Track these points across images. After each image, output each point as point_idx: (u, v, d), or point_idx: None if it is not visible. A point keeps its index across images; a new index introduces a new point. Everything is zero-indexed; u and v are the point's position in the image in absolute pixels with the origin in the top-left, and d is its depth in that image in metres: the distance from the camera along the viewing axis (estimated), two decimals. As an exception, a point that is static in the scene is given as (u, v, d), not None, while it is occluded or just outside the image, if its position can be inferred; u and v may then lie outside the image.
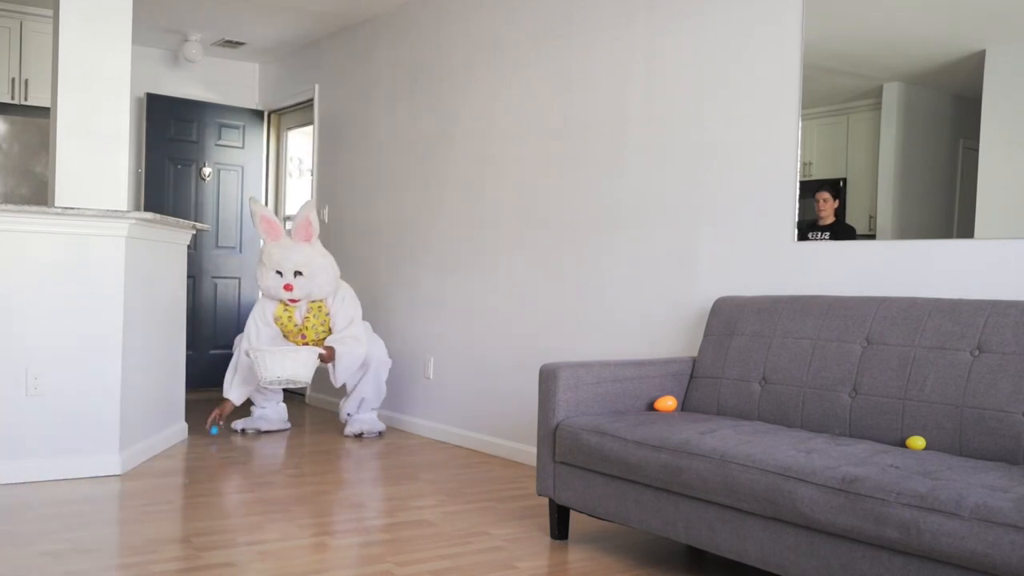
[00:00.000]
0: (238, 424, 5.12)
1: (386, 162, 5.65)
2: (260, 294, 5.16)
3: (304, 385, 4.81)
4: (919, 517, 1.94)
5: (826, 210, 3.14)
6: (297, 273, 4.85)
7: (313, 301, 4.97)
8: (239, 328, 7.03)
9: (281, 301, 4.98)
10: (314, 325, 4.99)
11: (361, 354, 4.89)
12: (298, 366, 4.64)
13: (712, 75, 3.56)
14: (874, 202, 2.99)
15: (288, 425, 5.28)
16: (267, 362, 4.61)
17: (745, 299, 3.19)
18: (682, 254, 3.66)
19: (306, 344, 5.00)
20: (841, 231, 3.09)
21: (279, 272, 4.87)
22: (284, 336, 5.05)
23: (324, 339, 5.02)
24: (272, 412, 5.21)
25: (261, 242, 4.96)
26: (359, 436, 5.05)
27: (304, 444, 4.80)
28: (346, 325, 4.97)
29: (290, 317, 4.98)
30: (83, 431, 3.83)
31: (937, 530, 1.91)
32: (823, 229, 3.15)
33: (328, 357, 4.79)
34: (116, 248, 3.90)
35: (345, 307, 5.02)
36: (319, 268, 4.88)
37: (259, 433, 5.10)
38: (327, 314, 5.01)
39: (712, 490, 2.42)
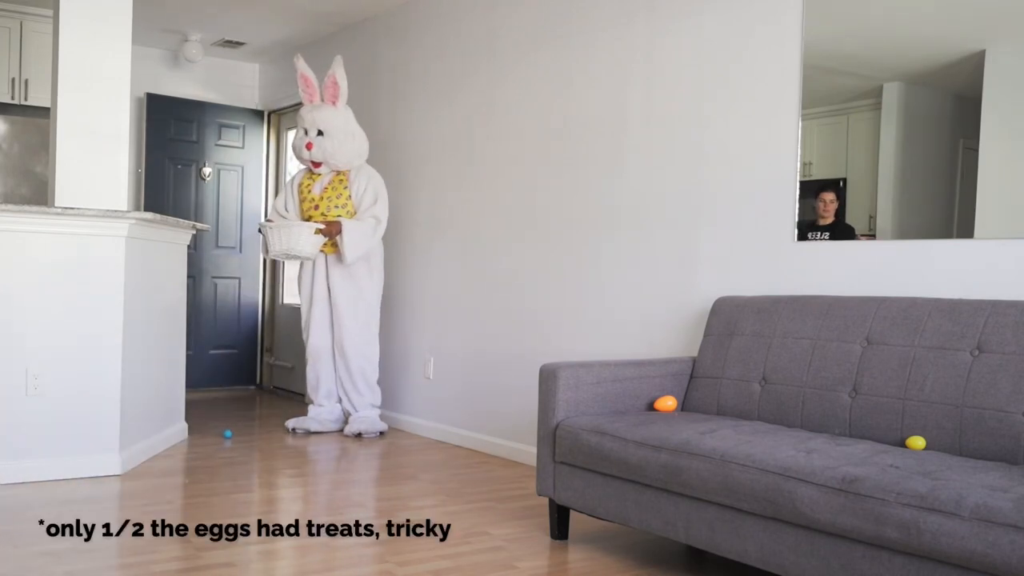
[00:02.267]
0: (290, 423, 5.09)
1: (386, 162, 5.65)
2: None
3: (308, 258, 4.82)
4: (919, 517, 1.94)
5: (828, 210, 3.14)
6: (320, 133, 4.83)
7: (337, 173, 4.92)
8: (239, 328, 7.03)
9: (307, 169, 5.01)
10: (330, 197, 4.87)
11: (373, 232, 4.81)
12: (293, 239, 4.65)
13: (712, 75, 3.56)
14: (874, 202, 2.99)
15: (340, 426, 5.18)
16: (269, 236, 4.72)
17: (745, 299, 3.19)
18: (682, 254, 3.66)
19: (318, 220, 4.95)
20: (841, 231, 3.09)
21: (305, 131, 4.90)
22: (299, 208, 5.01)
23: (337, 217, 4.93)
24: (327, 413, 5.12)
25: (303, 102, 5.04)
26: (358, 436, 4.99)
27: (305, 444, 4.80)
28: (370, 204, 4.87)
29: (309, 187, 4.95)
30: (83, 431, 3.83)
31: (937, 530, 1.91)
32: (823, 229, 3.15)
33: (330, 231, 4.73)
34: (116, 248, 3.90)
35: (371, 185, 4.89)
36: (341, 132, 4.85)
37: (308, 434, 5.04)
38: (346, 188, 4.89)
39: (712, 490, 2.42)
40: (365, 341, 4.99)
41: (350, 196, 4.88)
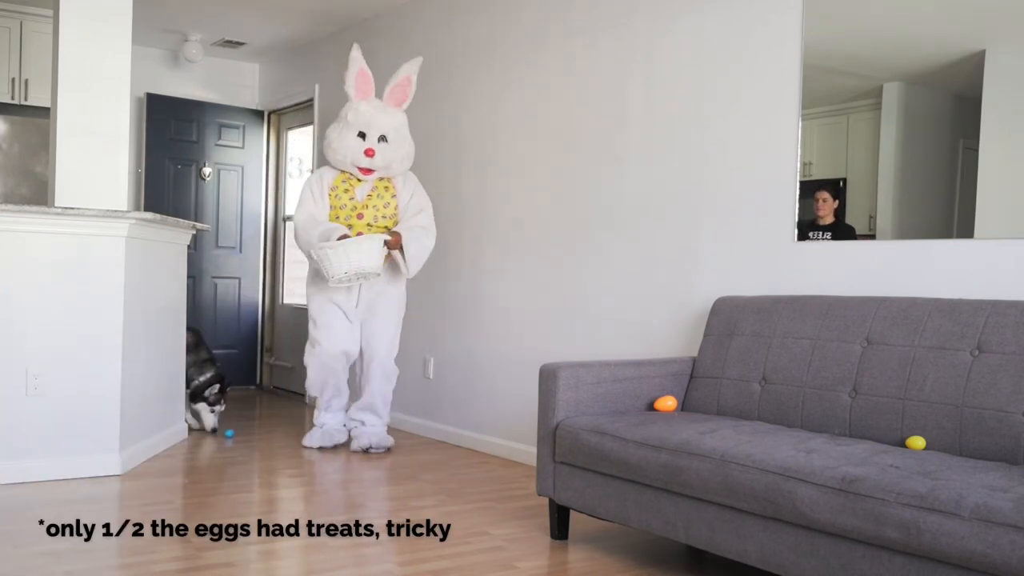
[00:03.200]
0: (314, 442, 4.61)
1: (386, 162, 5.65)
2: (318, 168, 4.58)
3: (375, 275, 4.23)
4: (919, 517, 1.94)
5: (825, 210, 3.14)
6: (382, 139, 4.33)
7: (381, 180, 4.44)
8: (239, 328, 7.02)
9: (343, 172, 4.44)
10: (376, 206, 4.36)
11: (430, 245, 4.42)
12: (362, 256, 4.14)
13: (712, 75, 3.56)
14: (874, 202, 2.99)
15: (389, 442, 4.63)
16: (331, 258, 4.12)
17: (745, 299, 3.19)
18: (682, 254, 3.66)
19: (359, 232, 4.39)
20: (841, 231, 3.09)
21: (362, 134, 4.32)
22: (332, 216, 4.42)
23: (383, 228, 4.44)
24: (342, 422, 4.72)
25: (350, 95, 4.41)
26: (367, 451, 4.56)
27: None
28: (416, 212, 4.44)
29: (348, 191, 4.39)
30: (83, 431, 3.83)
31: (937, 530, 1.91)
32: (823, 229, 3.15)
33: (395, 243, 4.30)
34: (116, 248, 3.90)
35: (417, 193, 4.48)
36: (405, 140, 4.43)
37: (367, 452, 4.57)
38: (393, 196, 4.43)
39: (712, 490, 2.42)
40: (395, 355, 4.64)
41: (397, 203, 4.45)
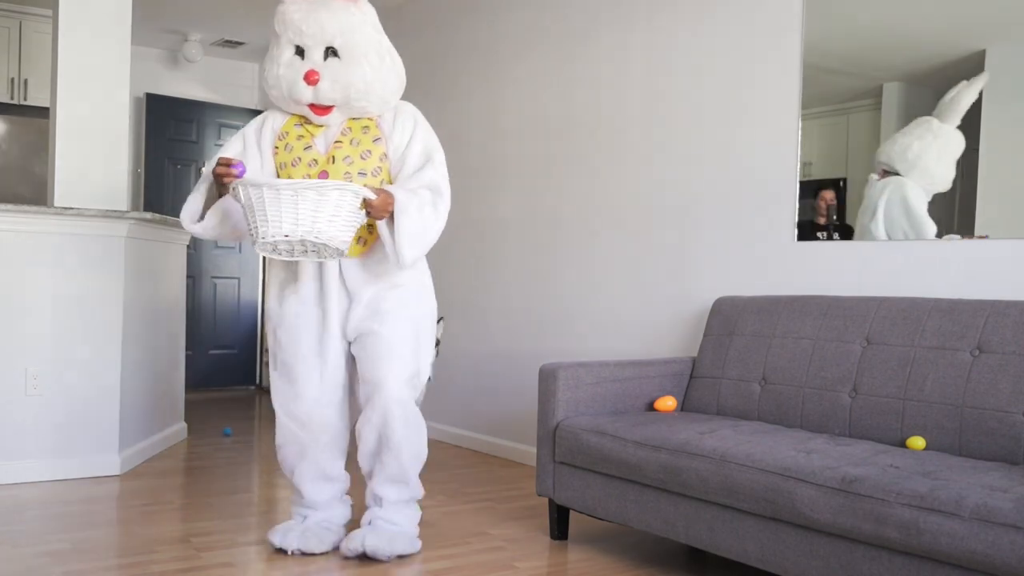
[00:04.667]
0: (278, 539, 2.81)
1: (386, 162, 5.65)
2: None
3: (337, 253, 2.49)
4: (919, 517, 1.94)
5: (829, 210, 3.14)
6: (331, 52, 2.64)
7: (355, 119, 2.73)
8: (239, 328, 7.02)
9: (294, 115, 2.77)
10: (349, 159, 2.68)
11: (435, 221, 2.67)
12: (322, 215, 2.38)
13: (712, 75, 3.56)
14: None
15: (416, 545, 2.87)
16: (265, 206, 2.36)
17: (745, 299, 3.19)
18: (682, 254, 3.66)
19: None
20: (842, 231, 3.09)
21: (299, 50, 2.65)
22: (284, 176, 2.74)
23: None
24: (337, 518, 2.92)
25: None
26: (373, 558, 2.74)
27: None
28: (420, 165, 2.71)
29: (303, 139, 2.72)
30: (83, 431, 3.83)
31: (937, 530, 1.91)
32: (822, 228, 3.15)
33: (380, 207, 2.52)
34: (116, 248, 3.90)
35: (420, 134, 2.77)
36: (374, 51, 2.68)
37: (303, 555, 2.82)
38: (377, 141, 2.72)
39: (712, 490, 2.42)
40: (415, 386, 2.82)
41: (385, 153, 2.73)
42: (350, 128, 2.72)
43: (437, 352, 3.22)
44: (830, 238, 3.11)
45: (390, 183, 2.72)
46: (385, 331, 2.72)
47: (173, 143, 6.75)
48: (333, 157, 2.67)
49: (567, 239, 4.24)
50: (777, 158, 3.30)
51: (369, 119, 2.73)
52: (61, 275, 3.78)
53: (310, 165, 2.68)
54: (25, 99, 5.86)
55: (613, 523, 2.98)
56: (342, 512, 2.94)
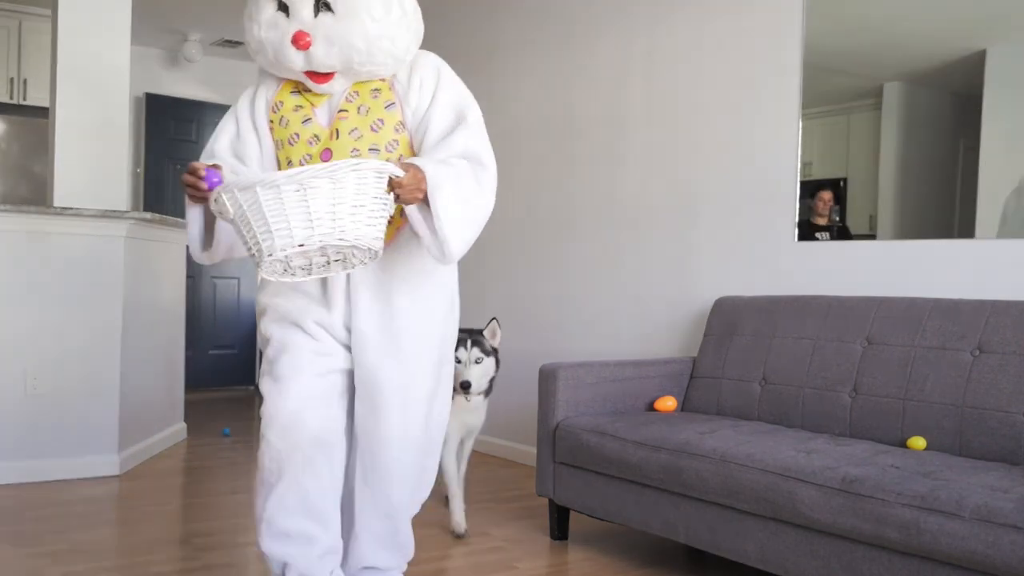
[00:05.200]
0: None
1: (386, 162, 5.64)
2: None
3: (370, 255, 1.85)
4: (919, 517, 1.94)
5: (826, 210, 3.14)
6: (322, 5, 2.01)
7: (362, 81, 2.11)
8: (239, 328, 7.01)
9: (289, 80, 2.15)
10: (357, 131, 2.08)
11: (480, 198, 2.03)
12: (343, 210, 1.75)
13: (712, 75, 3.55)
14: (875, 202, 2.99)
15: None
16: (266, 212, 1.74)
17: (745, 299, 3.19)
18: (682, 254, 3.65)
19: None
20: (839, 231, 3.09)
21: (283, 5, 2.04)
22: (276, 158, 2.17)
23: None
24: None
25: None
26: None
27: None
28: (449, 129, 2.09)
29: (302, 109, 2.13)
30: (82, 431, 3.82)
31: (938, 530, 1.91)
32: (821, 229, 3.15)
33: (411, 185, 1.86)
34: (115, 248, 3.89)
35: (444, 87, 2.16)
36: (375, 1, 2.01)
37: None
38: (391, 106, 2.11)
39: (712, 490, 2.41)
40: (431, 441, 2.22)
41: (402, 121, 2.11)
42: (357, 92, 2.08)
43: (497, 365, 3.18)
44: (833, 238, 3.11)
45: (412, 153, 2.09)
46: (396, 364, 2.07)
47: (173, 143, 6.74)
48: (337, 131, 2.06)
49: (567, 239, 4.24)
50: (777, 158, 3.29)
51: (380, 80, 2.10)
52: (61, 275, 3.78)
53: (310, 143, 2.08)
54: (24, 99, 5.86)
55: (613, 523, 2.98)
56: None
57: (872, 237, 2.99)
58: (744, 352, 3.04)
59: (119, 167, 4.39)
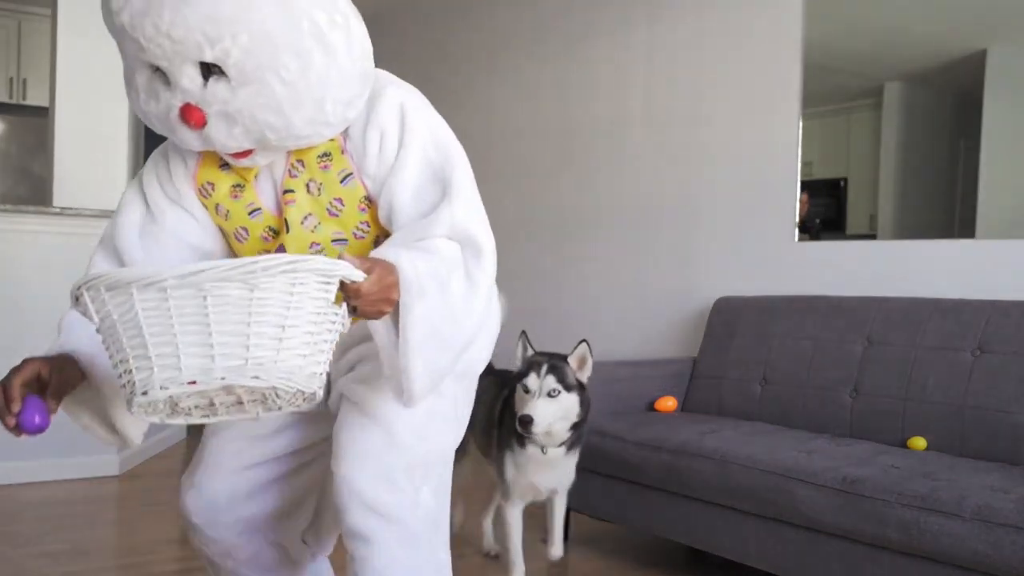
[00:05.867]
0: None
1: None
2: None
3: (309, 401, 1.21)
4: (920, 518, 1.94)
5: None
6: (213, 70, 1.29)
7: (303, 150, 1.44)
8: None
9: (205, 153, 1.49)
10: (311, 218, 1.46)
11: (471, 305, 1.39)
12: (264, 332, 1.12)
13: (712, 74, 3.55)
14: (875, 202, 2.99)
15: None
16: (144, 329, 1.10)
17: (746, 299, 3.19)
18: (682, 254, 3.65)
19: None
20: (818, 231, 3.11)
21: (155, 68, 1.34)
22: (226, 248, 1.58)
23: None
24: None
25: None
26: None
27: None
28: (426, 200, 1.41)
29: (240, 188, 1.50)
30: (81, 431, 3.81)
31: (938, 531, 1.91)
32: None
33: (371, 293, 1.22)
34: (115, 248, 3.89)
35: (411, 136, 1.42)
36: (283, 46, 1.29)
37: None
38: (348, 178, 1.44)
39: (713, 490, 2.41)
40: (434, 551, 1.48)
41: (366, 194, 1.45)
42: (301, 162, 1.44)
43: (584, 406, 2.33)
44: (813, 238, 3.12)
45: (377, 235, 1.48)
46: (368, 395, 1.46)
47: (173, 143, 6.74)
48: (287, 222, 1.45)
49: (567, 239, 4.23)
50: (778, 158, 3.29)
51: (333, 144, 1.43)
52: (60, 275, 3.77)
53: (265, 238, 1.49)
54: (24, 99, 5.86)
55: (613, 523, 2.98)
56: None
57: (872, 237, 2.99)
58: (744, 352, 3.04)
59: (119, 167, 4.39)
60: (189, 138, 1.37)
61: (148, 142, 6.60)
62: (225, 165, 1.48)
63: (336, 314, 1.20)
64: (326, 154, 1.44)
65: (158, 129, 1.42)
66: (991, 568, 1.84)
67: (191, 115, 1.32)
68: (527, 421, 2.23)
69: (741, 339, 3.08)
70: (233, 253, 1.55)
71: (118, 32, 1.33)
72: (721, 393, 3.07)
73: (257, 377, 1.12)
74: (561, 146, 4.29)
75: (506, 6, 4.68)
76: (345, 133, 1.44)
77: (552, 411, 2.27)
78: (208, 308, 1.10)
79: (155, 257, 1.49)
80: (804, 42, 3.20)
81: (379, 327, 1.33)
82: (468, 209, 1.41)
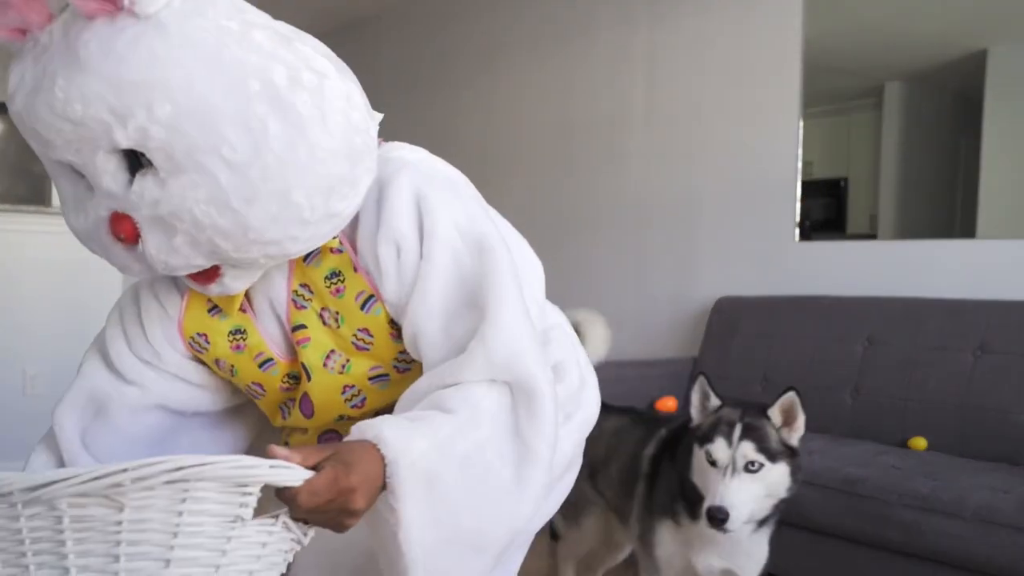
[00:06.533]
0: None
1: (385, 161, 5.64)
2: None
3: None
4: (921, 518, 1.94)
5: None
6: (142, 161, 0.92)
7: (306, 271, 1.07)
8: (238, 328, 6.94)
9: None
10: (336, 357, 1.08)
11: (515, 506, 0.96)
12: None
13: (713, 74, 3.55)
14: (875, 202, 2.99)
15: None
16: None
17: (746, 299, 3.19)
18: (683, 254, 3.65)
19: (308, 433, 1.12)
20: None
21: (73, 168, 0.96)
22: (223, 388, 1.20)
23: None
24: None
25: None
26: None
27: (303, 444, 4.79)
28: (453, 334, 1.00)
29: (243, 339, 1.11)
30: (81, 431, 3.82)
31: (939, 531, 1.90)
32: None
33: (315, 495, 0.81)
34: (114, 248, 3.89)
35: (434, 255, 1.02)
36: (228, 115, 0.89)
37: None
38: (371, 301, 1.05)
39: (713, 491, 2.41)
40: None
41: (392, 315, 1.05)
42: (307, 288, 1.09)
43: (794, 476, 1.74)
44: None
45: (393, 354, 1.10)
46: None
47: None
48: (305, 367, 1.10)
49: (567, 239, 4.23)
50: (778, 157, 3.29)
51: (330, 251, 1.07)
52: (58, 275, 3.77)
53: (286, 388, 1.15)
54: (23, 98, 5.85)
55: (613, 524, 2.97)
56: None
57: (873, 237, 2.98)
58: (745, 352, 3.04)
59: (118, 166, 4.38)
60: (126, 261, 1.00)
61: (147, 142, 6.60)
62: (216, 308, 1.12)
63: (269, 533, 0.83)
64: (336, 273, 1.06)
65: (99, 254, 1.03)
66: (991, 568, 1.84)
67: (119, 226, 0.95)
68: (720, 517, 1.58)
69: (741, 339, 3.08)
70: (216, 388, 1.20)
71: (19, 124, 0.94)
72: (721, 393, 3.06)
73: None
74: (561, 146, 4.28)
75: (506, 6, 4.67)
76: (354, 244, 1.05)
77: (753, 493, 1.62)
78: (64, 534, 0.78)
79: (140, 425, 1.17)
80: (804, 42, 3.19)
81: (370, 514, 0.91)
82: (512, 335, 0.98)
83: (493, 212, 1.25)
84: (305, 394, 1.10)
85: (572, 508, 1.27)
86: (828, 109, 3.12)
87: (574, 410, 1.15)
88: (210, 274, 1.00)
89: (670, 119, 3.73)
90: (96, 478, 0.75)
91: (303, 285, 1.07)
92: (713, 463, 1.65)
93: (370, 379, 1.09)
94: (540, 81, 4.43)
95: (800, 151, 3.21)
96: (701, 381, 1.83)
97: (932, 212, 2.82)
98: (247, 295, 1.09)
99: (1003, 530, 1.81)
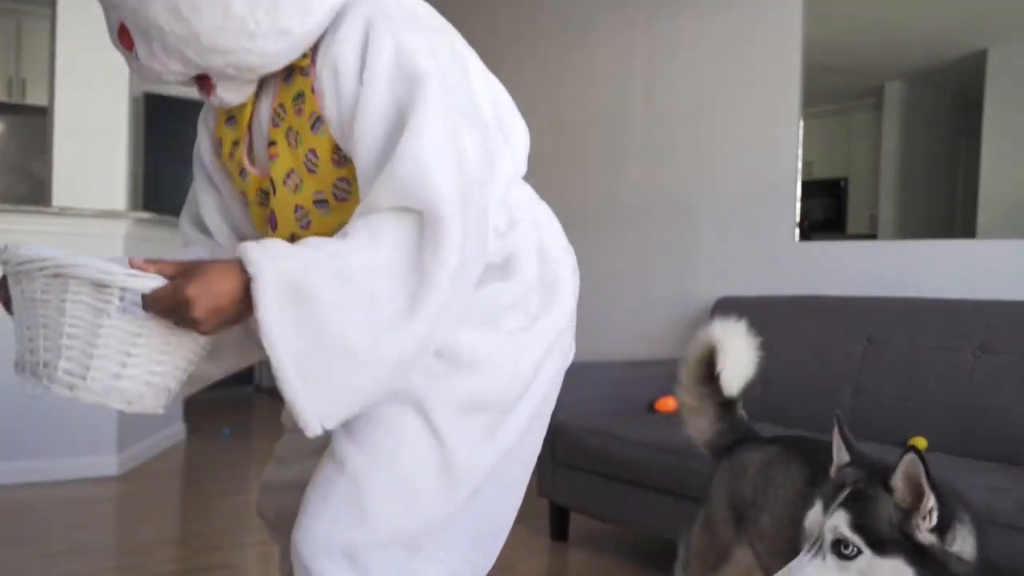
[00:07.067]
0: None
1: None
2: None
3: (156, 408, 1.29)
4: (921, 518, 1.93)
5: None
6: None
7: (288, 75, 1.18)
8: (237, 328, 6.97)
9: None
10: (293, 176, 1.18)
11: (417, 320, 1.04)
12: (49, 333, 1.08)
13: (713, 74, 3.55)
14: (875, 201, 2.99)
15: None
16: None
17: (746, 299, 3.19)
18: (683, 254, 3.65)
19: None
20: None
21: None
22: (233, 195, 1.36)
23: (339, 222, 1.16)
24: None
25: None
26: None
27: (303, 444, 4.79)
28: (385, 152, 1.06)
29: (236, 150, 1.27)
30: (81, 432, 3.81)
31: (940, 531, 1.90)
32: None
33: (149, 306, 1.02)
34: (114, 248, 3.88)
35: (372, 71, 1.07)
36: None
37: None
38: (318, 123, 1.13)
39: (713, 491, 2.41)
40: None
41: (337, 141, 1.13)
42: (283, 107, 1.18)
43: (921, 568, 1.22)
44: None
45: (343, 174, 1.16)
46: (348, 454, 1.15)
47: (172, 143, 6.74)
48: (272, 181, 1.20)
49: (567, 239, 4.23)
50: (778, 157, 3.29)
51: (302, 75, 1.15)
52: (59, 275, 3.78)
53: (260, 203, 1.26)
54: (23, 98, 5.85)
55: (613, 523, 2.98)
56: None
57: (873, 237, 2.99)
58: (744, 352, 3.04)
59: (118, 167, 4.38)
60: (134, 66, 1.15)
61: (148, 143, 6.60)
62: (231, 119, 1.27)
63: (140, 326, 1.06)
64: (300, 94, 1.14)
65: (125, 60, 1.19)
66: (991, 569, 1.83)
67: (122, 37, 1.12)
68: None
69: (741, 339, 3.08)
70: (233, 190, 1.35)
71: None
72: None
73: (37, 371, 1.09)
74: (561, 145, 4.28)
75: (505, 6, 4.68)
76: (312, 64, 1.12)
77: None
78: (21, 299, 1.10)
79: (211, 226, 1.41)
80: (804, 42, 3.19)
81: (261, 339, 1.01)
82: (424, 150, 1.00)
83: (479, 65, 1.35)
84: (272, 211, 1.22)
85: (713, 555, 1.06)
86: (828, 109, 3.12)
87: (541, 312, 1.24)
88: (206, 86, 1.16)
89: (670, 119, 3.73)
90: (25, 262, 1.05)
91: (280, 105, 1.18)
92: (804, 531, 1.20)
93: (314, 203, 1.18)
94: (540, 81, 4.43)
95: (800, 151, 3.21)
96: (837, 425, 1.35)
97: (932, 212, 2.82)
98: (254, 112, 1.22)
99: (1003, 530, 1.81)
